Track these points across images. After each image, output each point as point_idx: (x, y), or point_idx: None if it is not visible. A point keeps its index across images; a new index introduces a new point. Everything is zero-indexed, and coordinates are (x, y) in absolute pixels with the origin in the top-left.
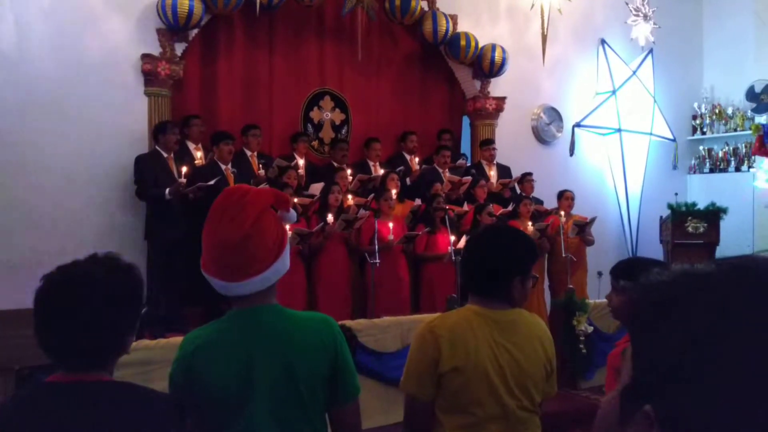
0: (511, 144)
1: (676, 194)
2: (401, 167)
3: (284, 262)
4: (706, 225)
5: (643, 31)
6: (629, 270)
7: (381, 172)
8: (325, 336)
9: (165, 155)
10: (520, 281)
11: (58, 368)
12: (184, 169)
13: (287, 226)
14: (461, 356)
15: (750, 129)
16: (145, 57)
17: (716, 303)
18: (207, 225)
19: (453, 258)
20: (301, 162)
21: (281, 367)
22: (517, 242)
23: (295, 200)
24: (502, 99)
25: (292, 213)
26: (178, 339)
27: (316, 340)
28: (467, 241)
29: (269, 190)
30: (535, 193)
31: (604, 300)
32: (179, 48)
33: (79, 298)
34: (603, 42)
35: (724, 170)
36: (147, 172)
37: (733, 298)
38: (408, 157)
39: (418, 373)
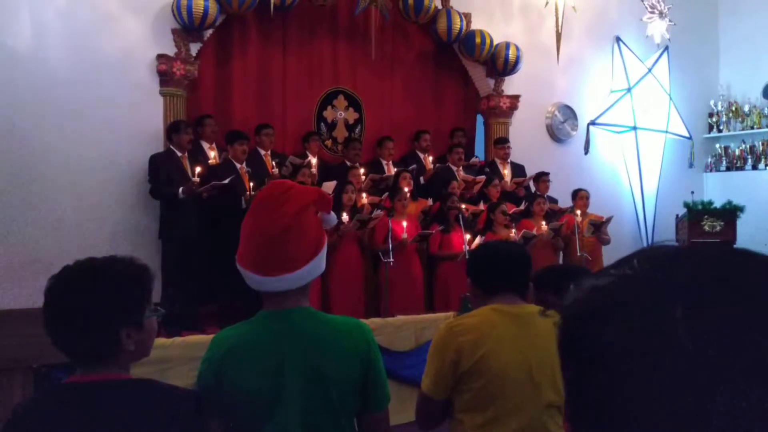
0: (526, 142)
1: (693, 193)
2: (414, 165)
3: (320, 263)
4: (722, 223)
5: (658, 29)
6: (551, 281)
7: (394, 171)
8: (358, 342)
9: (179, 154)
10: None
11: (76, 367)
12: (198, 169)
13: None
14: (483, 355)
15: (767, 126)
16: (161, 57)
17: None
18: (248, 216)
19: (467, 257)
20: (314, 161)
21: (312, 371)
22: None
23: None
24: (516, 97)
25: (333, 216)
26: (193, 338)
27: (348, 345)
28: (478, 248)
29: (314, 188)
30: (550, 192)
31: None
32: (194, 48)
33: (76, 297)
34: (618, 39)
35: (741, 168)
36: (161, 171)
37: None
38: (421, 155)
39: (436, 373)
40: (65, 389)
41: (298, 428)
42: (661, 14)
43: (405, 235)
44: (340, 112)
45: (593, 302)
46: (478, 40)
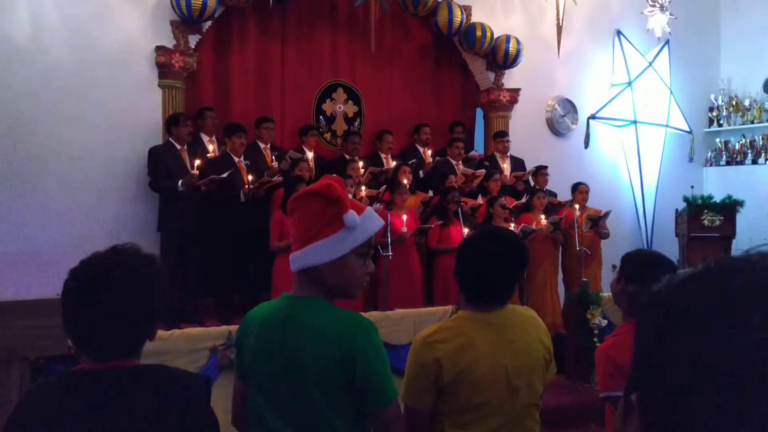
0: (525, 136)
1: (692, 187)
2: (413, 159)
3: (314, 253)
4: (722, 218)
5: (659, 22)
6: (640, 270)
7: (393, 164)
8: (345, 337)
9: (178, 147)
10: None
11: (87, 357)
12: (197, 162)
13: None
14: (461, 370)
15: (767, 121)
16: (160, 49)
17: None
18: None
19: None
20: (310, 155)
21: (292, 358)
22: (516, 248)
23: None
24: (516, 91)
25: (351, 214)
26: (192, 330)
27: (331, 337)
28: (460, 250)
29: (326, 182)
30: (549, 186)
31: None
32: (193, 40)
33: (117, 288)
34: (619, 33)
35: (741, 163)
36: (160, 164)
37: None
38: (421, 149)
39: (418, 387)
40: (78, 376)
41: (276, 414)
42: (662, 8)
43: (404, 229)
44: (339, 105)
45: (687, 275)
46: (478, 33)
